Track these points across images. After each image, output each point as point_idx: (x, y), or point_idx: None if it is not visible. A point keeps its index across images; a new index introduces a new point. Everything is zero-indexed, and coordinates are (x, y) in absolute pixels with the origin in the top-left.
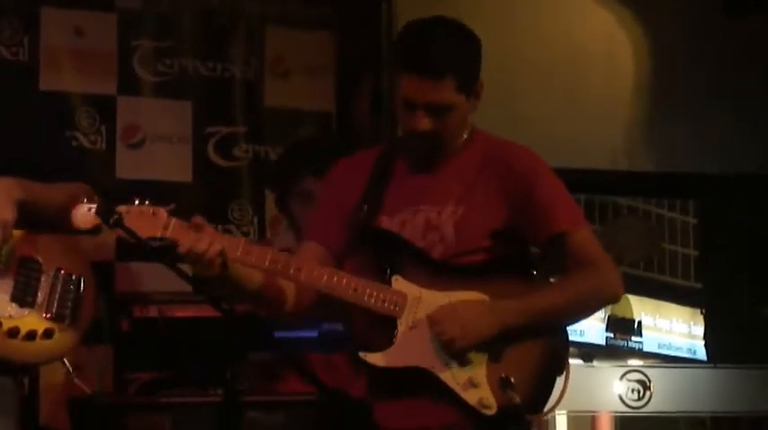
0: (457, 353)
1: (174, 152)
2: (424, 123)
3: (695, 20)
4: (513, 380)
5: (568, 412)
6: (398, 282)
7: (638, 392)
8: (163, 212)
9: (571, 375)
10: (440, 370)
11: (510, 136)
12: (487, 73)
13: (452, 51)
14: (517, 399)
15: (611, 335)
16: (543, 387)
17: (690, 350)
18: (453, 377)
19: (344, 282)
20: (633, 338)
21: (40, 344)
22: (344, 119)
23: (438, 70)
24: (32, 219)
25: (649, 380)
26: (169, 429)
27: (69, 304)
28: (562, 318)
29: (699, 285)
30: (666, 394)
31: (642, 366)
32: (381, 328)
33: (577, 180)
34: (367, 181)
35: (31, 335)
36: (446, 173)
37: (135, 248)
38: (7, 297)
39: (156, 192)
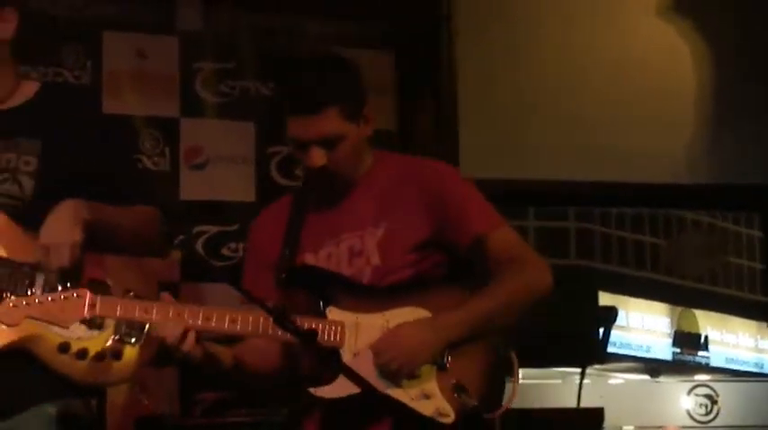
0: (404, 376)
1: (237, 172)
2: (319, 158)
3: (755, 31)
4: (464, 384)
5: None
6: (333, 313)
7: (706, 407)
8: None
9: (638, 390)
10: (391, 389)
11: (571, 150)
12: (548, 88)
13: (327, 83)
14: (473, 402)
15: (678, 350)
16: (495, 385)
17: (757, 364)
18: (406, 393)
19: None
20: (700, 353)
21: (109, 366)
22: (406, 137)
23: (316, 104)
24: (100, 240)
25: (717, 395)
26: None
27: (137, 325)
28: (500, 320)
29: (765, 298)
30: (734, 408)
31: (710, 381)
32: (326, 362)
33: (639, 194)
34: (285, 227)
35: (99, 357)
36: (359, 198)
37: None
38: None
39: (219, 212)
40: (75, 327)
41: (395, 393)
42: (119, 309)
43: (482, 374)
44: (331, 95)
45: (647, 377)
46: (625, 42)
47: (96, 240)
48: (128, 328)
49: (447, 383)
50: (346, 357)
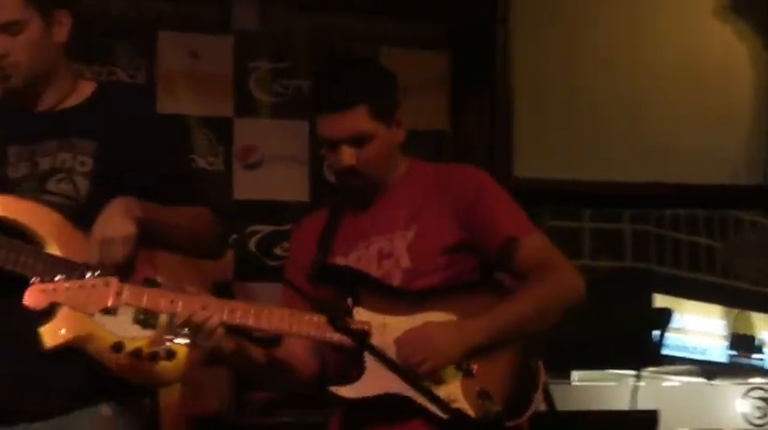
0: (427, 375)
1: (291, 172)
2: (348, 157)
3: None
4: (489, 391)
5: None
6: (360, 313)
7: (762, 410)
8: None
9: (693, 393)
10: (413, 393)
11: (627, 151)
12: (604, 89)
13: (358, 82)
14: (497, 409)
15: (734, 352)
16: (520, 392)
17: None
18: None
19: (306, 318)
20: (756, 356)
21: (163, 365)
22: (460, 137)
23: (347, 101)
24: (153, 239)
25: None
26: None
27: (190, 325)
28: (526, 327)
29: None
30: None
31: (765, 384)
32: (352, 362)
33: (696, 195)
34: (321, 232)
35: (152, 356)
36: (391, 202)
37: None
38: (130, 318)
39: (273, 212)
40: (129, 327)
41: (419, 398)
42: (145, 298)
43: (508, 381)
44: (360, 93)
45: (702, 380)
46: (682, 43)
47: (149, 239)
48: (180, 328)
49: (471, 389)
50: (371, 358)
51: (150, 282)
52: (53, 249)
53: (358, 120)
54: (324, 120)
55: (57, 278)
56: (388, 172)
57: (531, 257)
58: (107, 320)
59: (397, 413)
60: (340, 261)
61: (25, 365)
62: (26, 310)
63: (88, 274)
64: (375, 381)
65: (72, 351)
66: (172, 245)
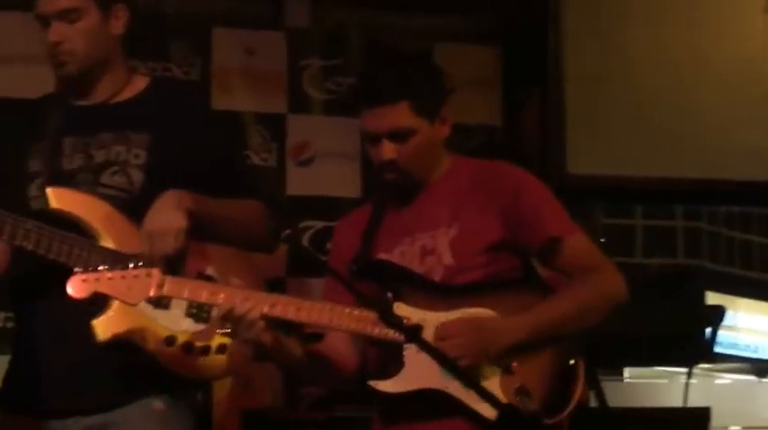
0: (467, 370)
1: (344, 168)
2: (388, 151)
3: None
4: (528, 388)
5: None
6: (400, 309)
7: None
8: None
9: (745, 391)
10: (454, 389)
11: (680, 147)
12: (656, 85)
13: (401, 77)
14: (535, 406)
15: None
16: (560, 390)
17: None
18: (468, 394)
19: (347, 313)
20: None
21: (215, 359)
22: (511, 133)
23: (389, 96)
24: (205, 232)
25: None
26: None
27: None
28: (568, 327)
29: None
30: None
31: None
32: (391, 356)
33: (750, 192)
34: (363, 228)
35: (205, 350)
36: (434, 198)
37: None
38: (182, 312)
39: (325, 207)
40: (182, 320)
41: (458, 393)
42: (186, 290)
43: (547, 379)
44: (403, 88)
45: (753, 377)
46: (737, 39)
47: (201, 231)
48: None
49: (511, 387)
50: (409, 353)
51: (201, 276)
52: (107, 242)
53: (399, 115)
54: (366, 115)
55: (99, 268)
56: (429, 168)
57: (573, 257)
58: (159, 314)
59: (435, 409)
60: (383, 256)
61: (79, 359)
62: (80, 304)
63: (131, 265)
64: (414, 376)
65: (125, 344)
66: (224, 237)
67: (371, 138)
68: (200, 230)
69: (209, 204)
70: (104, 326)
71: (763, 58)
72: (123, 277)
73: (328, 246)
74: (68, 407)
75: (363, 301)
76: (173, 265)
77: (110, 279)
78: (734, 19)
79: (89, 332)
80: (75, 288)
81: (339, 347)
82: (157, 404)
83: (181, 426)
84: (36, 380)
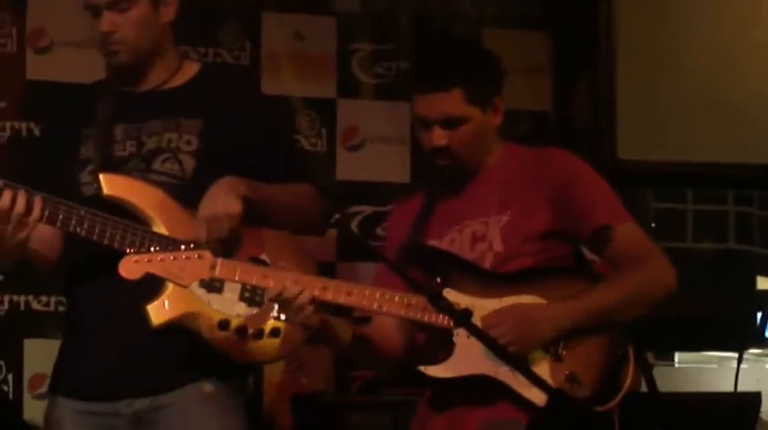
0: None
1: (393, 153)
2: (440, 137)
3: None
4: (578, 375)
5: None
6: (450, 295)
7: None
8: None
9: None
10: (503, 375)
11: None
12: (710, 70)
13: (458, 64)
14: (585, 393)
15: None
16: (608, 379)
17: None
18: (518, 380)
19: (397, 298)
20: None
21: (267, 343)
22: (561, 118)
23: (442, 83)
24: (259, 217)
25: None
26: (390, 426)
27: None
28: (617, 315)
29: None
30: None
31: None
32: (440, 342)
33: None
34: (415, 215)
35: (258, 334)
36: (485, 186)
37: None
38: (236, 296)
39: (374, 193)
40: (235, 304)
41: (508, 380)
42: (238, 272)
43: (597, 366)
44: (457, 75)
45: None
46: None
47: (255, 217)
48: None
49: (560, 373)
50: (459, 340)
51: (255, 261)
52: (159, 228)
53: (452, 102)
54: (419, 100)
55: (152, 249)
56: (481, 155)
57: (624, 246)
58: (213, 298)
59: (484, 395)
60: (434, 244)
61: (130, 343)
62: (134, 289)
63: (183, 247)
64: (465, 362)
65: (178, 329)
66: (277, 222)
67: (423, 124)
68: (254, 216)
69: (263, 190)
70: (158, 311)
71: None
72: (175, 259)
73: (377, 230)
74: (119, 391)
75: (414, 287)
76: (228, 250)
77: (162, 260)
78: None
79: (141, 316)
80: (126, 269)
81: (387, 330)
82: (208, 387)
83: (232, 410)
84: (87, 364)
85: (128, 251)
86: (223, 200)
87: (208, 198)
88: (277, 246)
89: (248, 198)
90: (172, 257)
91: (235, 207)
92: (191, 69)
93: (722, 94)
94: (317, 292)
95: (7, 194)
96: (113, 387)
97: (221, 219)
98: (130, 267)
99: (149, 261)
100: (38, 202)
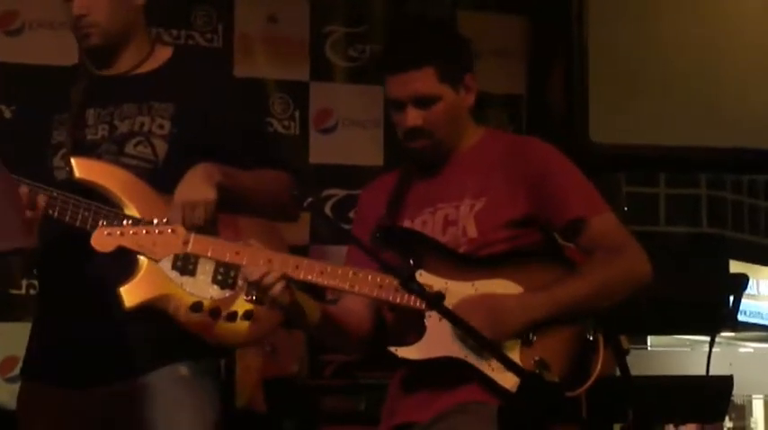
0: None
1: (366, 136)
2: (414, 117)
3: None
4: (547, 361)
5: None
6: (422, 277)
7: None
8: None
9: (767, 359)
10: (473, 358)
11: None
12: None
13: (427, 43)
14: (555, 379)
15: None
16: (578, 366)
17: None
18: (488, 364)
19: (369, 278)
20: None
21: (240, 326)
22: (535, 102)
23: (415, 60)
24: (233, 203)
25: None
26: (364, 410)
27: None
28: (590, 306)
29: None
30: None
31: None
32: (411, 323)
33: None
34: (388, 197)
35: (231, 317)
36: (459, 169)
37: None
38: (209, 279)
39: (347, 176)
40: (208, 287)
41: (477, 363)
42: (210, 249)
43: (567, 352)
44: (428, 54)
45: None
46: (760, 7)
47: (230, 203)
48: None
49: (530, 359)
50: (430, 322)
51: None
52: (131, 211)
53: (425, 81)
54: (391, 81)
55: (124, 222)
56: (455, 136)
57: (597, 237)
58: (186, 280)
59: (454, 378)
60: (406, 224)
61: (105, 326)
62: (107, 271)
63: (155, 221)
64: (436, 344)
65: (151, 311)
66: (251, 208)
67: (396, 104)
68: (228, 202)
69: (237, 177)
70: (131, 293)
71: None
72: (148, 232)
73: (351, 214)
74: (92, 374)
75: (385, 268)
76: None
77: (134, 234)
78: None
79: (115, 299)
80: (99, 241)
81: (354, 311)
82: (183, 370)
83: (206, 393)
84: (60, 347)
85: (101, 224)
86: (199, 187)
87: (183, 184)
88: (252, 231)
89: (223, 185)
90: (144, 231)
91: (210, 194)
92: (163, 54)
93: (695, 79)
94: (289, 270)
95: None
96: (86, 370)
97: (197, 207)
98: (103, 240)
99: (122, 234)
100: None
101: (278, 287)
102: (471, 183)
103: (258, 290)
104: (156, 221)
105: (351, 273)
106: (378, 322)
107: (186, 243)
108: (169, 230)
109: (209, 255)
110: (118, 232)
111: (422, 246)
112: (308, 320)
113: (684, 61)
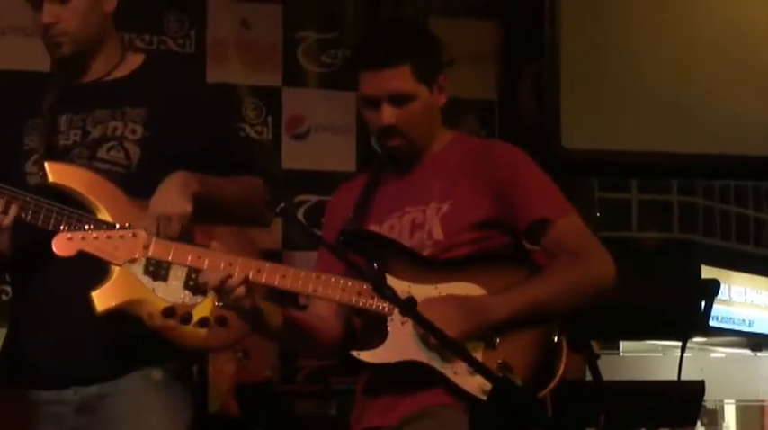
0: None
1: (339, 142)
2: (389, 115)
3: None
4: (510, 364)
5: (737, 402)
6: (387, 280)
7: None
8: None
9: (739, 365)
10: (435, 362)
11: (675, 122)
12: (654, 60)
13: (403, 41)
14: (517, 382)
15: None
16: (543, 366)
17: None
18: (451, 368)
19: (332, 282)
20: None
21: (213, 332)
22: (507, 107)
23: (391, 58)
24: (208, 211)
25: None
26: (335, 415)
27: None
28: (552, 308)
29: None
30: None
31: None
32: (376, 327)
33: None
34: (355, 201)
35: (203, 322)
36: (428, 173)
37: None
38: (181, 284)
39: (320, 182)
40: (180, 292)
41: (440, 367)
42: (172, 253)
43: (530, 355)
44: (404, 52)
45: (748, 351)
46: (730, 14)
47: (205, 211)
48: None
49: (493, 362)
50: (393, 325)
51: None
52: (104, 216)
53: (401, 78)
54: (366, 78)
55: (86, 227)
56: (427, 136)
57: (562, 239)
58: (158, 286)
59: (418, 381)
60: (374, 229)
61: (77, 329)
62: (80, 276)
63: (117, 226)
64: (397, 348)
65: (123, 315)
66: (225, 214)
67: (370, 103)
68: (203, 210)
69: (214, 185)
70: (103, 298)
71: (755, 33)
72: (109, 237)
73: (323, 220)
74: (65, 378)
75: (356, 272)
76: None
77: (96, 238)
78: None
79: (87, 303)
80: (59, 246)
81: (322, 316)
82: (155, 374)
83: (178, 398)
84: (33, 352)
85: (62, 228)
86: (174, 199)
87: (159, 195)
88: (227, 237)
89: (200, 194)
90: (106, 236)
91: (186, 207)
92: (135, 60)
93: (667, 86)
94: (250, 274)
95: None
96: (59, 374)
97: (172, 219)
98: (63, 244)
99: (83, 238)
100: None
101: (239, 291)
102: (438, 186)
103: (219, 293)
104: (117, 226)
105: (313, 276)
106: (348, 328)
107: (147, 247)
108: (131, 235)
109: (169, 259)
110: (79, 237)
111: (385, 249)
112: (269, 325)
113: (657, 67)
